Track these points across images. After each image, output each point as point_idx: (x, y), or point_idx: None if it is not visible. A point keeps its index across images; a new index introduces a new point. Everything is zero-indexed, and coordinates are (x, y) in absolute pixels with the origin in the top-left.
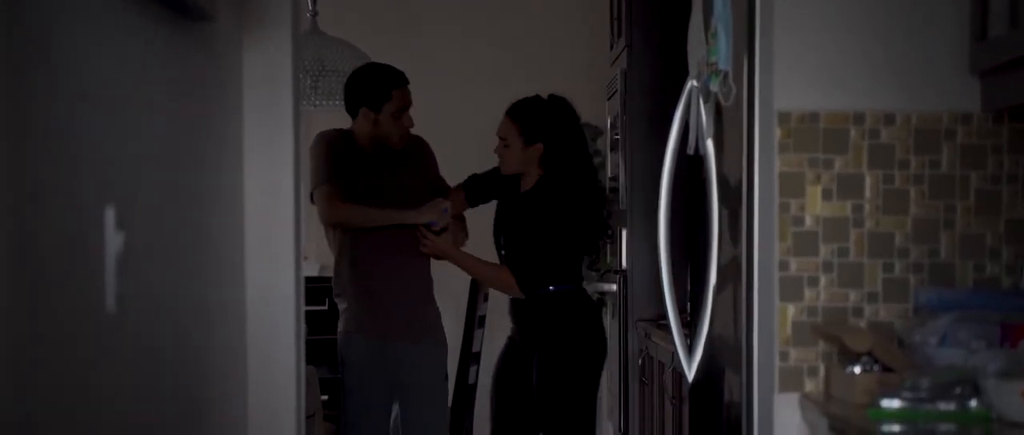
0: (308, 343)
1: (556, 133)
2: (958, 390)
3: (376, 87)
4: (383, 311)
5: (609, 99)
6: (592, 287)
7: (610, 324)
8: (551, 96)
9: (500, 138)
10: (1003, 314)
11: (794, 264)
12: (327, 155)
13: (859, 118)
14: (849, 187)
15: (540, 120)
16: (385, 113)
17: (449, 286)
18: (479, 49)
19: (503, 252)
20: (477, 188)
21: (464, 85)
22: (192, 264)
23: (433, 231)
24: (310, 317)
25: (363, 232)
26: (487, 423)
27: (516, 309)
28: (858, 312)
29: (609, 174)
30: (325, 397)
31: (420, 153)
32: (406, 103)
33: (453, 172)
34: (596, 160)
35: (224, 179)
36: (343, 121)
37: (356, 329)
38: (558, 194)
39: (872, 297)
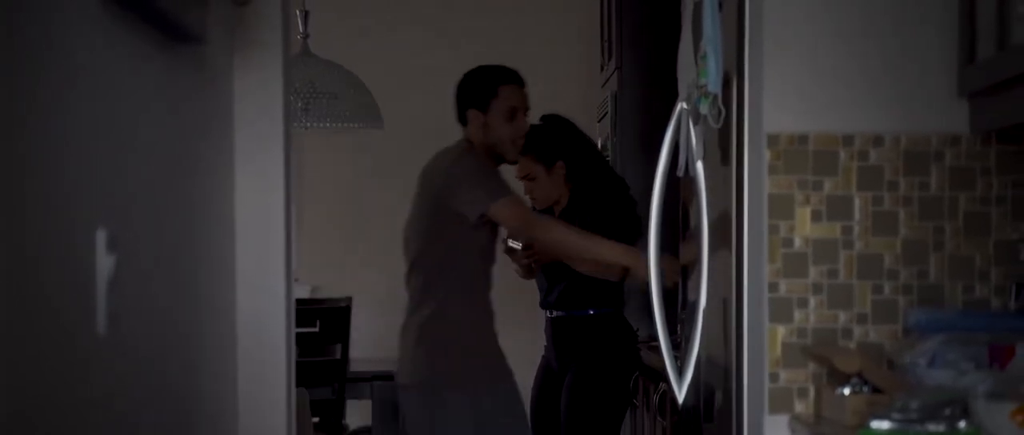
0: (298, 365)
1: (567, 144)
2: (948, 411)
3: (481, 83)
4: (474, 358)
5: (599, 121)
6: None
7: None
8: (542, 117)
9: (523, 179)
10: (992, 335)
11: (784, 286)
12: (489, 164)
13: (848, 140)
14: (839, 209)
15: (548, 139)
16: (494, 113)
17: None
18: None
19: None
20: None
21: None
22: (183, 284)
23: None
24: (300, 339)
25: (481, 265)
26: None
27: (554, 331)
28: (848, 333)
29: None
30: (316, 419)
31: None
32: (517, 104)
33: None
34: None
35: (215, 201)
36: (334, 143)
37: (449, 382)
38: (599, 189)
39: (862, 318)
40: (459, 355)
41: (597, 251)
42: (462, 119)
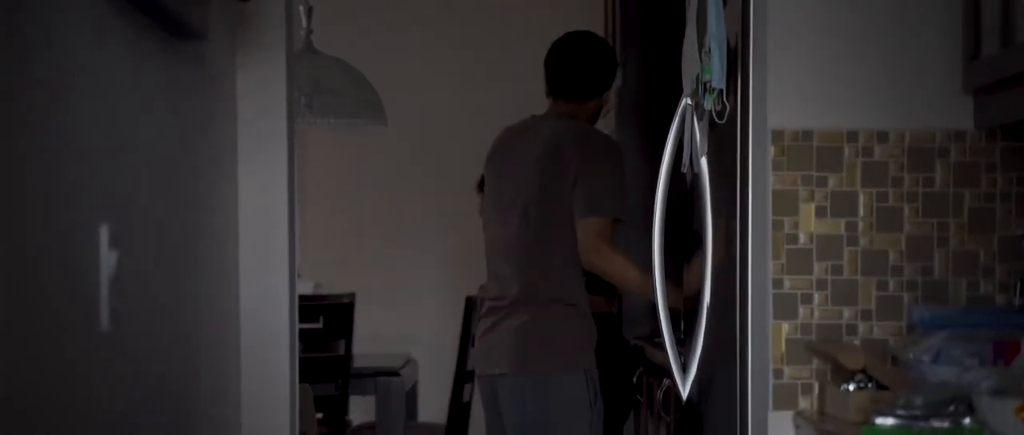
0: (302, 361)
1: None
2: (952, 408)
3: (613, 70)
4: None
5: (603, 116)
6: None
7: None
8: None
9: None
10: (996, 332)
11: (788, 282)
12: (625, 176)
13: (853, 136)
14: (843, 205)
15: None
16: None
17: (444, 304)
18: (472, 72)
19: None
20: None
21: (456, 105)
22: (186, 281)
23: None
24: (304, 335)
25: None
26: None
27: None
28: (852, 330)
29: None
30: (320, 415)
31: None
32: None
33: (448, 178)
34: None
35: (218, 198)
36: (338, 140)
37: (591, 364)
38: None
39: (866, 315)
40: (585, 340)
41: (630, 287)
42: (591, 95)
